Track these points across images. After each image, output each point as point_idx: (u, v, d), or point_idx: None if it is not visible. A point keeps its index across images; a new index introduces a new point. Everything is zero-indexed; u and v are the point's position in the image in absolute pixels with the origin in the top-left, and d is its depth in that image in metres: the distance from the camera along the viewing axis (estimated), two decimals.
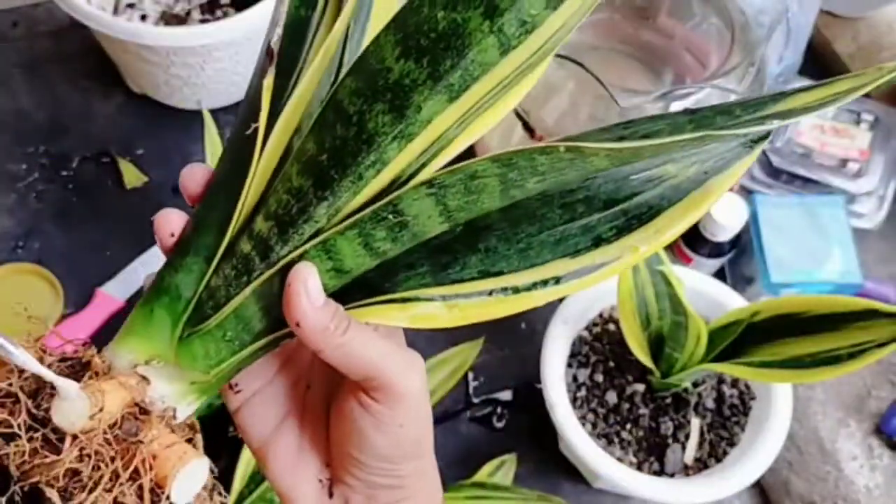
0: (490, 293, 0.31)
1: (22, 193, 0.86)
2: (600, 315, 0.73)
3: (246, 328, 0.32)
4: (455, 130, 0.30)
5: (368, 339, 0.31)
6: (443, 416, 0.77)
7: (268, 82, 0.31)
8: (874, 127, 0.86)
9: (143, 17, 0.89)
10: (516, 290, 0.31)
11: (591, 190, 0.30)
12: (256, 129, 0.31)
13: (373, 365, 0.31)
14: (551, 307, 0.76)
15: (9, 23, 0.97)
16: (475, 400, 0.79)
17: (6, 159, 0.88)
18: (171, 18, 0.90)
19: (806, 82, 0.94)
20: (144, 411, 0.30)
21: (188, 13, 0.91)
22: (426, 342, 0.81)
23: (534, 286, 0.31)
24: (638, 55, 0.81)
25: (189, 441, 0.32)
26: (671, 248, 0.82)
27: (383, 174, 0.30)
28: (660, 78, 0.79)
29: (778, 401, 0.66)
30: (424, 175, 0.30)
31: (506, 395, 0.79)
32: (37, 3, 0.98)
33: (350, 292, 0.32)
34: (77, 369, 0.30)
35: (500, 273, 0.31)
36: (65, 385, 0.28)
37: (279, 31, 0.32)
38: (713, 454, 0.67)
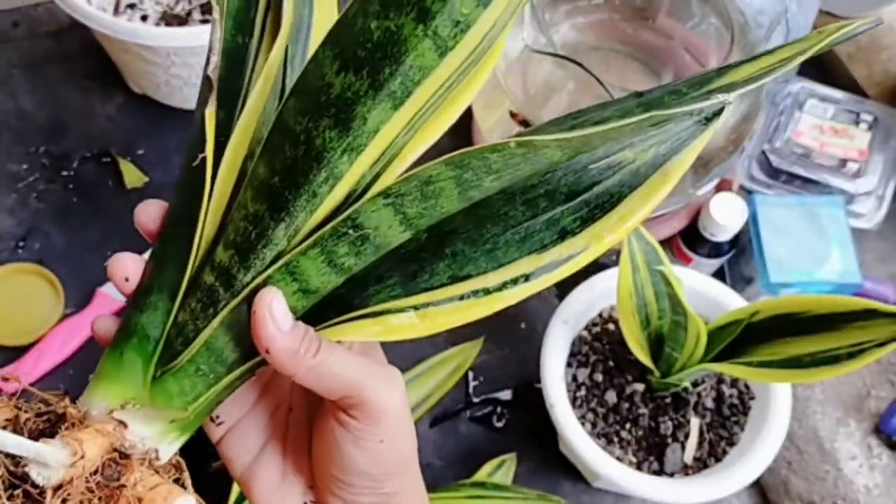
0: (461, 298, 0.31)
1: (22, 193, 0.86)
2: (600, 315, 0.73)
3: (218, 360, 0.32)
4: (404, 137, 0.30)
5: (341, 359, 0.31)
6: (443, 416, 0.77)
7: (210, 111, 0.31)
8: (873, 127, 0.86)
9: (144, 18, 0.90)
10: (487, 292, 0.31)
11: (551, 183, 0.30)
12: (204, 160, 0.31)
13: (348, 384, 0.31)
14: (551, 307, 0.76)
15: (9, 23, 0.97)
16: (475, 400, 0.79)
17: (7, 159, 0.88)
18: (171, 19, 0.90)
19: (805, 83, 0.94)
20: (125, 455, 0.30)
21: (189, 13, 0.91)
22: (426, 342, 0.81)
23: (504, 286, 0.31)
24: (638, 55, 0.81)
25: (177, 480, 0.32)
26: (671, 248, 0.82)
27: (337, 189, 0.30)
28: (659, 78, 0.79)
29: (777, 400, 0.66)
30: (380, 186, 0.30)
31: (506, 395, 0.79)
32: (37, 3, 0.98)
33: (321, 312, 0.32)
34: (54, 421, 0.30)
35: (468, 276, 0.31)
36: (41, 449, 0.28)
37: (215, 59, 0.32)
38: (712, 454, 0.68)
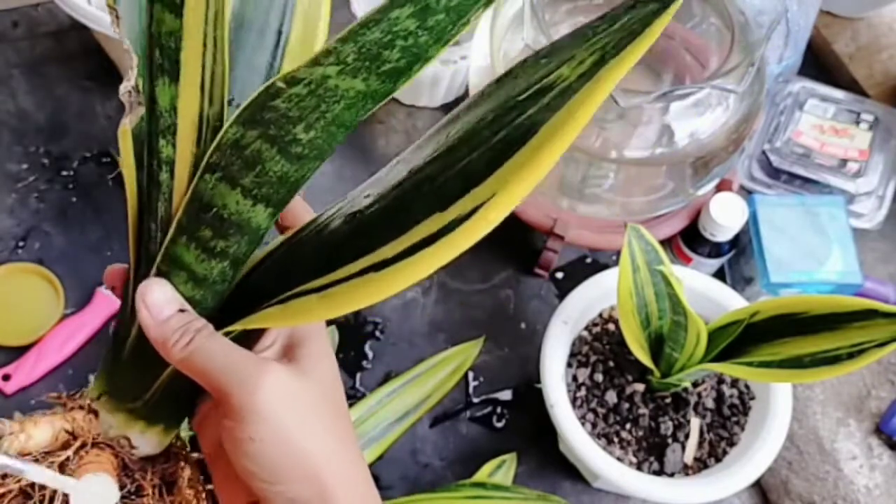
0: (360, 273, 0.28)
1: (22, 193, 0.86)
2: (600, 315, 0.73)
3: (150, 360, 0.33)
4: (211, 108, 0.31)
5: (210, 352, 0.31)
6: (443, 416, 0.77)
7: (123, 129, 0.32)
8: (874, 127, 0.86)
9: None
10: (385, 264, 0.27)
11: (480, 123, 0.27)
12: (119, 176, 0.33)
13: (212, 378, 0.31)
14: (551, 307, 0.76)
15: (9, 23, 0.97)
16: (475, 400, 0.79)
17: (6, 159, 0.88)
18: None
19: (805, 83, 0.94)
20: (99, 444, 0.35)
21: None
22: (426, 342, 0.81)
23: (403, 255, 0.26)
24: None
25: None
26: (671, 248, 0.82)
27: (178, 174, 0.31)
28: (660, 78, 0.79)
29: (777, 401, 0.66)
30: (205, 161, 0.30)
31: (506, 395, 0.79)
32: (37, 3, 0.98)
33: (254, 302, 0.32)
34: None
35: (373, 249, 0.28)
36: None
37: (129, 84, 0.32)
38: (713, 454, 0.68)
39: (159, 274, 0.32)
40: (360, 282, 0.27)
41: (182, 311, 0.32)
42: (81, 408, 0.34)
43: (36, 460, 0.33)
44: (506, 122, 0.25)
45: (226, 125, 0.28)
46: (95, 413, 0.34)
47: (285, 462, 0.31)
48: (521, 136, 0.24)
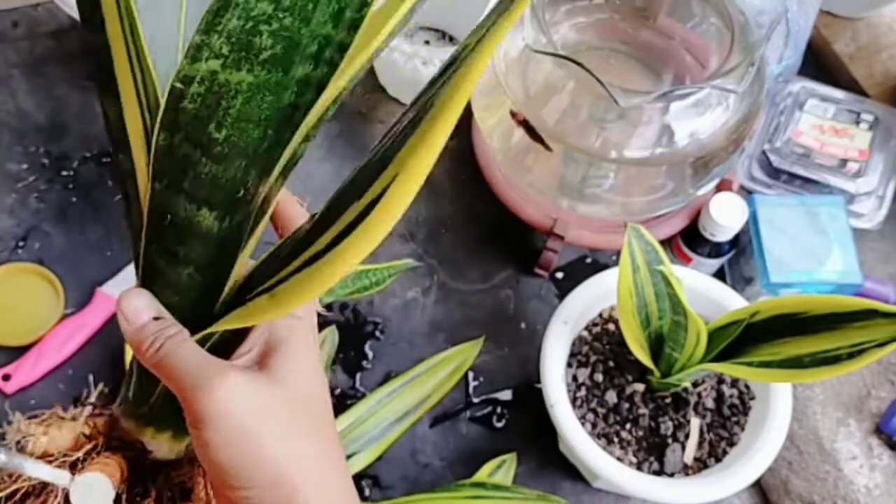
0: (299, 269, 0.28)
1: (22, 193, 0.86)
2: (600, 315, 0.73)
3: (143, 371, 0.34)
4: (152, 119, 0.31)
5: (180, 357, 0.31)
6: (443, 416, 0.77)
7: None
8: (874, 127, 0.86)
9: None
10: (319, 256, 0.27)
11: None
12: (124, 196, 0.34)
13: (179, 382, 0.31)
14: (551, 307, 0.76)
15: (9, 23, 0.97)
16: (475, 400, 0.79)
17: (6, 159, 0.88)
18: None
19: (805, 82, 0.94)
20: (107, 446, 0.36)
21: None
22: (426, 342, 0.81)
23: (330, 246, 0.26)
24: (638, 55, 0.81)
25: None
26: (671, 248, 0.82)
27: (141, 186, 0.31)
28: (660, 78, 0.79)
29: (777, 401, 0.66)
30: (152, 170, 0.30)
31: (506, 395, 0.79)
32: (37, 3, 0.98)
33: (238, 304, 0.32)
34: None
35: (312, 243, 0.28)
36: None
37: None
38: (713, 454, 0.68)
39: (143, 280, 0.33)
40: (298, 278, 0.27)
41: (157, 318, 0.32)
42: (104, 413, 0.36)
43: (50, 459, 0.34)
44: (418, 103, 0.26)
45: (154, 132, 0.28)
46: (116, 418, 0.36)
47: (249, 467, 0.31)
48: (422, 115, 0.24)
